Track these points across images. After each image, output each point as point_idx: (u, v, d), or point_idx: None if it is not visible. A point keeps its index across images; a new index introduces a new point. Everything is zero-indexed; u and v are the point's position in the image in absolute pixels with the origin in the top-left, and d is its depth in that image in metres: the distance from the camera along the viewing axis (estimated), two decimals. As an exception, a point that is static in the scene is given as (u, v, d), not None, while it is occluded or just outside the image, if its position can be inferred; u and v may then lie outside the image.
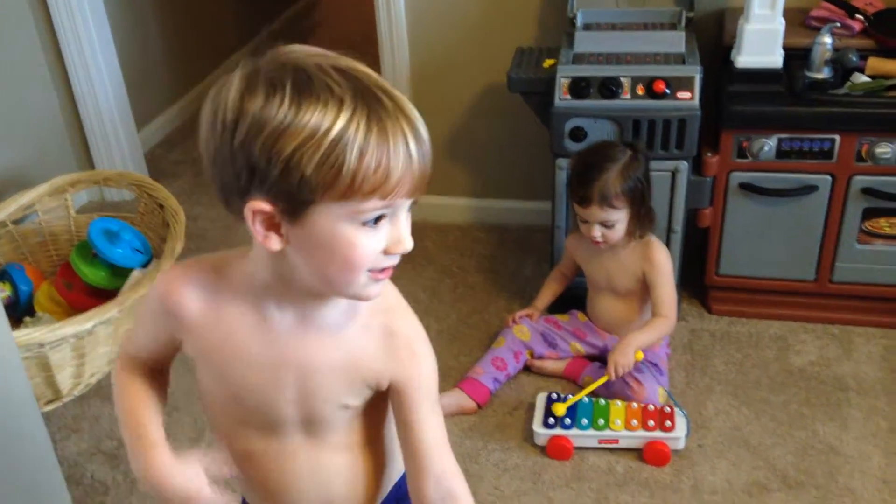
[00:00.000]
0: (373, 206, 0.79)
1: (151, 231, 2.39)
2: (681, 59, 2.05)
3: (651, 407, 1.94)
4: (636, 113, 2.02)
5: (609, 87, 2.02)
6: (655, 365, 2.04)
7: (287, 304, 0.90)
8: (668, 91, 2.00)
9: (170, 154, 3.35)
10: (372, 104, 0.78)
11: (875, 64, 2.04)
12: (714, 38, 2.25)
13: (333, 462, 1.01)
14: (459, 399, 2.05)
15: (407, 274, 2.58)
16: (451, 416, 2.03)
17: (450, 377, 2.13)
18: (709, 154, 2.09)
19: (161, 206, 2.32)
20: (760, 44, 2.01)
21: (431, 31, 2.55)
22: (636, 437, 1.91)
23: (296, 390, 0.94)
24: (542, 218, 2.42)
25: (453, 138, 2.70)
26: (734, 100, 2.02)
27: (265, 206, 0.80)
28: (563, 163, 2.11)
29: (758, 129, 2.03)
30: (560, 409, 1.94)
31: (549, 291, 2.23)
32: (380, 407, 1.00)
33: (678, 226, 2.16)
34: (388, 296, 0.95)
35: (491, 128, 2.65)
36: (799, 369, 2.13)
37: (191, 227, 2.81)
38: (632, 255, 2.03)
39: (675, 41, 2.07)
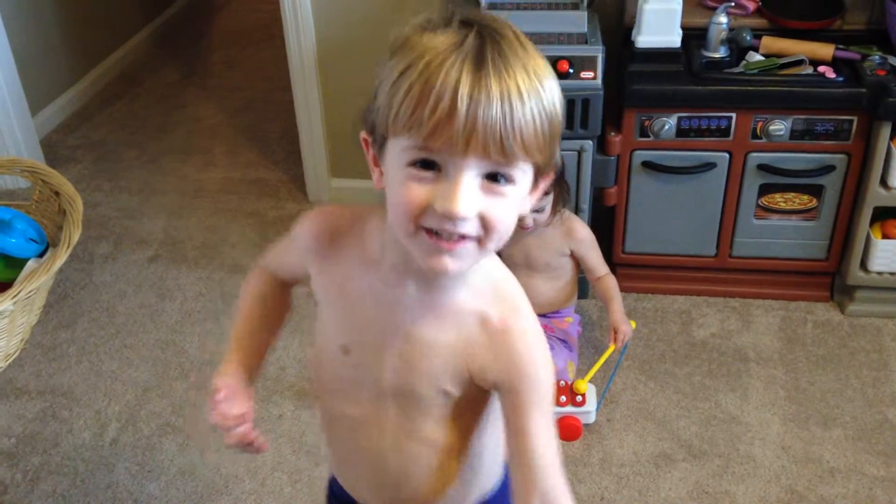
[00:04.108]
0: (412, 145, 0.75)
1: (47, 219, 2.29)
2: (583, 40, 2.07)
3: (562, 383, 1.97)
4: (541, 93, 2.03)
5: (514, 68, 2.02)
6: (565, 342, 2.07)
7: (409, 275, 0.88)
8: (571, 71, 2.02)
9: (68, 139, 3.22)
10: (455, 44, 0.74)
11: (769, 43, 2.10)
12: (615, 19, 2.28)
13: (419, 452, 0.98)
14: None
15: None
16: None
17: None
18: (612, 133, 2.12)
19: (57, 194, 2.23)
20: (659, 24, 2.05)
21: (337, 10, 2.51)
22: (547, 413, 1.93)
23: (398, 357, 0.92)
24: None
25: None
26: (635, 79, 2.05)
27: (366, 136, 0.83)
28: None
29: (658, 108, 2.07)
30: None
31: None
32: (478, 412, 0.97)
33: (585, 204, 2.19)
34: (513, 292, 0.92)
35: (400, 109, 2.62)
36: (702, 342, 2.20)
37: (91, 214, 2.72)
38: (554, 233, 2.05)
39: (578, 21, 2.09)
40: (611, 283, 2.09)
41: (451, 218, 0.76)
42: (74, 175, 2.95)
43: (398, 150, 0.77)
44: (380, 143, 0.80)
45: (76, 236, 2.07)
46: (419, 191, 0.76)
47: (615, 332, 2.03)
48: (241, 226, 2.72)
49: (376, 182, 0.84)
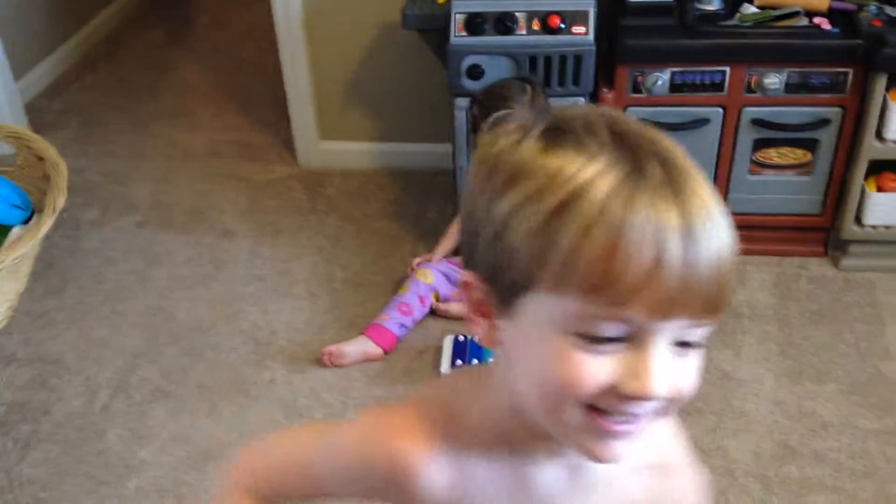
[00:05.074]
0: (594, 312, 0.56)
1: (32, 185, 2.25)
2: (575, -7, 2.03)
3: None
4: (532, 49, 2.00)
5: (505, 23, 1.99)
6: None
7: (547, 456, 0.68)
8: (563, 26, 1.98)
9: (53, 104, 3.17)
10: (632, 171, 0.57)
11: (763, -5, 2.06)
12: (608, -28, 2.24)
13: None
14: (365, 346, 2.03)
15: (310, 222, 2.52)
16: (358, 364, 2.02)
17: (356, 325, 2.10)
18: (605, 90, 2.09)
19: (40, 159, 2.19)
20: (652, -24, 2.01)
21: (323, -32, 2.46)
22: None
23: None
24: (446, 160, 2.39)
25: (352, 81, 2.63)
26: (627, 34, 2.02)
27: (474, 281, 0.63)
28: (461, 102, 2.07)
29: (651, 64, 2.03)
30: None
31: (450, 240, 2.21)
32: None
33: (577, 163, 2.16)
34: (664, 432, 0.75)
35: (390, 69, 2.58)
36: (696, 299, 2.19)
37: (76, 179, 2.68)
38: None
39: (569, -25, 2.05)
40: None
41: (643, 400, 0.58)
42: (60, 140, 2.89)
43: (556, 313, 0.57)
44: (509, 292, 0.60)
45: (61, 202, 2.04)
46: (597, 367, 0.58)
47: None
48: (230, 190, 2.69)
49: (485, 339, 0.64)
